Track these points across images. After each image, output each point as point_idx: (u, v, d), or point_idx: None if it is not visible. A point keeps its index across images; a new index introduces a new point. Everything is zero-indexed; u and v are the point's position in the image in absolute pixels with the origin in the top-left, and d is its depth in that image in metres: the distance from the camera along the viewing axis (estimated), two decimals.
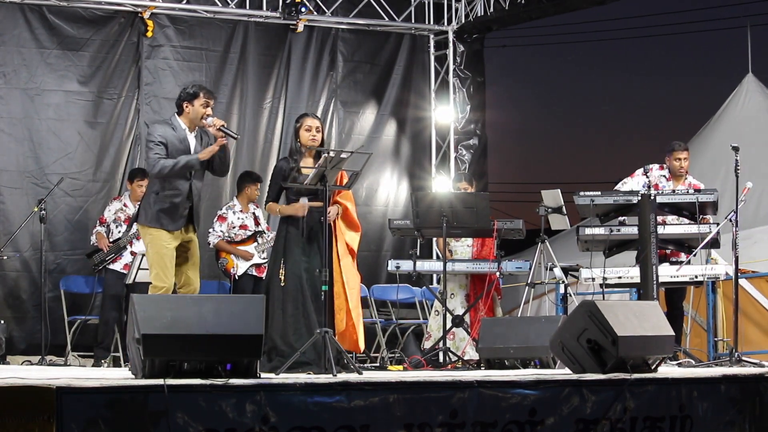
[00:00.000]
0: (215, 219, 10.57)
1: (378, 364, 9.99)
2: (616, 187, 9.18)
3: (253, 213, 10.64)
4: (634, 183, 9.13)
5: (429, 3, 12.71)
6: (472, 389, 5.22)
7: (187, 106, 7.34)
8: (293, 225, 7.45)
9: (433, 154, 12.80)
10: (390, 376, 6.13)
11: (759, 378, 6.03)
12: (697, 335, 10.00)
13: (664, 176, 9.21)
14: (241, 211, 10.58)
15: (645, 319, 6.17)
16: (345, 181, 7.34)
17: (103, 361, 9.98)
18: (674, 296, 9.26)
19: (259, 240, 10.49)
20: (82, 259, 10.65)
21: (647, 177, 9.06)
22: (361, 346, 7.64)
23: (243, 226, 10.52)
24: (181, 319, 5.21)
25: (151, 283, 7.42)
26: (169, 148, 7.24)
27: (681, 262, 8.74)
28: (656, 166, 9.29)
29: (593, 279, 8.84)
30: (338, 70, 12.32)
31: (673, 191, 8.92)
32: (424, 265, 9.63)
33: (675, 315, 9.17)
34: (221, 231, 10.47)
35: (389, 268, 9.62)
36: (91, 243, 10.33)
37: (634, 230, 8.62)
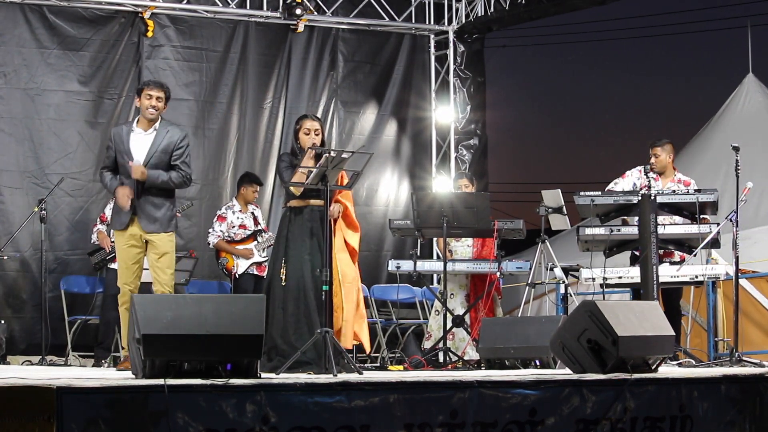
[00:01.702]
0: (215, 219, 10.59)
1: (378, 364, 10.00)
2: (608, 188, 9.14)
3: (252, 213, 10.66)
4: (625, 183, 9.13)
5: (429, 3, 12.72)
6: (472, 389, 5.22)
7: (138, 102, 7.59)
8: (294, 224, 7.45)
9: (434, 154, 12.80)
10: (390, 376, 6.12)
11: (759, 378, 6.02)
12: (697, 335, 10.00)
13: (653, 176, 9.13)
14: (240, 211, 10.60)
15: (645, 319, 6.16)
16: (345, 181, 7.34)
17: (103, 361, 9.98)
18: (671, 296, 9.26)
19: (259, 239, 10.51)
20: (82, 259, 10.66)
21: (644, 174, 9.02)
22: (365, 342, 7.64)
23: (242, 226, 10.54)
24: (181, 319, 5.21)
25: (151, 283, 7.45)
26: (114, 147, 7.51)
27: (677, 263, 8.75)
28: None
29: (593, 279, 8.84)
30: (339, 70, 12.32)
31: (674, 191, 8.91)
32: (424, 265, 9.63)
33: (673, 315, 9.17)
34: (221, 231, 10.48)
35: (390, 268, 9.62)
36: (92, 241, 10.33)
37: (634, 230, 8.62)
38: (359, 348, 8.17)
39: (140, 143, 7.43)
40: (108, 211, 10.35)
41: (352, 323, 7.54)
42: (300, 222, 7.43)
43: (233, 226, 10.52)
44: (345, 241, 7.60)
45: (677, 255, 8.90)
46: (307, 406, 4.88)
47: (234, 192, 11.12)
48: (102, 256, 10.18)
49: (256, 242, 10.50)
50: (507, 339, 7.82)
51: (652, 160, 9.06)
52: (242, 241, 10.50)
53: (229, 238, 10.49)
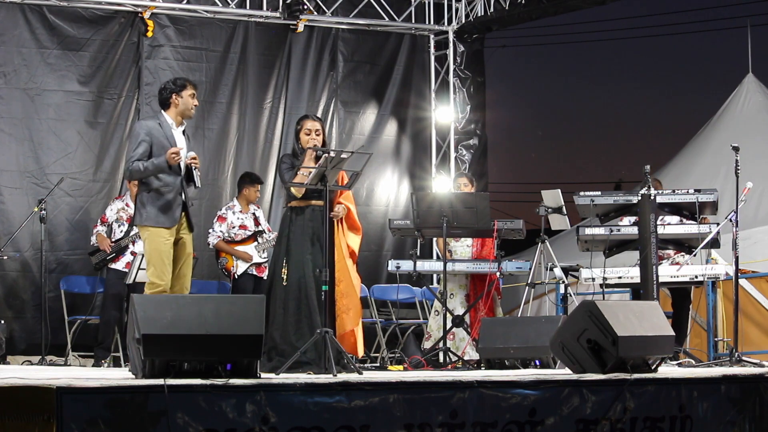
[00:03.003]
0: (215, 219, 10.58)
1: (378, 364, 10.00)
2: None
3: (253, 213, 10.65)
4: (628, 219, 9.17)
5: (429, 3, 12.71)
6: (472, 389, 5.22)
7: (176, 98, 7.26)
8: (296, 224, 7.45)
9: (434, 154, 12.80)
10: (390, 376, 6.13)
11: (759, 378, 6.02)
12: (697, 335, 10.00)
13: None
14: (240, 211, 10.58)
15: (645, 319, 6.17)
16: (345, 181, 7.34)
17: (103, 361, 9.98)
18: (681, 297, 9.27)
19: (259, 240, 10.49)
20: (82, 259, 10.65)
21: None
22: (360, 351, 7.62)
23: (242, 226, 10.53)
24: (181, 319, 5.22)
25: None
26: (155, 145, 7.17)
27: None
28: None
29: (593, 279, 8.85)
30: (338, 70, 12.32)
31: (673, 191, 8.91)
32: (424, 265, 9.64)
33: (681, 316, 9.19)
34: (221, 231, 10.47)
35: (389, 268, 9.63)
36: (92, 243, 10.32)
37: (634, 230, 8.63)
38: None
39: (180, 141, 7.30)
40: (109, 213, 10.35)
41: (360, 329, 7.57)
42: (301, 222, 7.43)
43: (233, 227, 10.51)
44: (348, 245, 7.59)
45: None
46: (307, 406, 4.88)
47: (234, 192, 11.12)
48: (102, 256, 10.17)
49: (256, 243, 10.49)
50: (507, 339, 7.83)
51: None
52: (242, 241, 10.49)
53: (229, 239, 10.48)
